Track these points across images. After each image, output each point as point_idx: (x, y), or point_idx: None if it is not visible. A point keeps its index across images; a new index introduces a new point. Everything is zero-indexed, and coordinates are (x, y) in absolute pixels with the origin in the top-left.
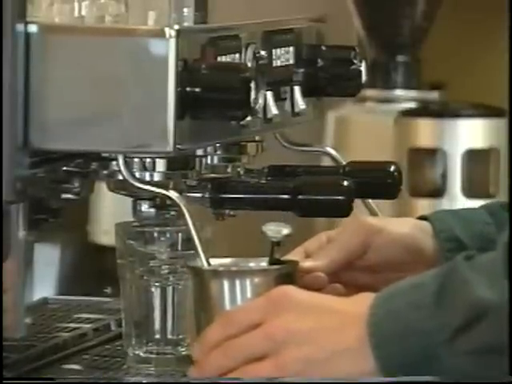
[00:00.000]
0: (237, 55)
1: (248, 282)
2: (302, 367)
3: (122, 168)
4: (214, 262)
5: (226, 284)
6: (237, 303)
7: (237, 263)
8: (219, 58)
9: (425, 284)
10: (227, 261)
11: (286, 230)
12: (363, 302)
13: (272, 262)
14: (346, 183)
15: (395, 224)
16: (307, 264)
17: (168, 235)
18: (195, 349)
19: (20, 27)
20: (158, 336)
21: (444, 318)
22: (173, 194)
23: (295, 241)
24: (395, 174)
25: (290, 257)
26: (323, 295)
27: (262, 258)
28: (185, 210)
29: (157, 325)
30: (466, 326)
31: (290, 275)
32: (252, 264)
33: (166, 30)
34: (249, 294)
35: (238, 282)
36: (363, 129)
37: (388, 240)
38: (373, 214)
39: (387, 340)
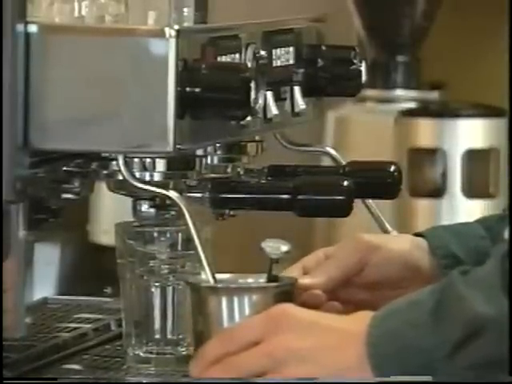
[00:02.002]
0: (237, 55)
1: (246, 299)
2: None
3: (122, 168)
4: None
5: (224, 301)
6: (235, 320)
7: (235, 279)
8: (219, 58)
9: (421, 301)
10: (226, 276)
11: (284, 247)
12: (362, 320)
13: (270, 279)
14: (345, 183)
15: (392, 241)
16: (305, 281)
17: (168, 235)
18: (193, 365)
19: (20, 27)
20: (157, 336)
21: (442, 334)
22: (173, 194)
23: (295, 242)
24: (395, 173)
25: (287, 273)
26: (322, 313)
27: (260, 275)
28: (185, 210)
29: (157, 325)
30: (464, 342)
31: (288, 293)
32: (250, 281)
33: (166, 29)
34: (247, 311)
35: (236, 299)
36: (363, 129)
37: (385, 257)
38: (373, 214)
39: (386, 360)
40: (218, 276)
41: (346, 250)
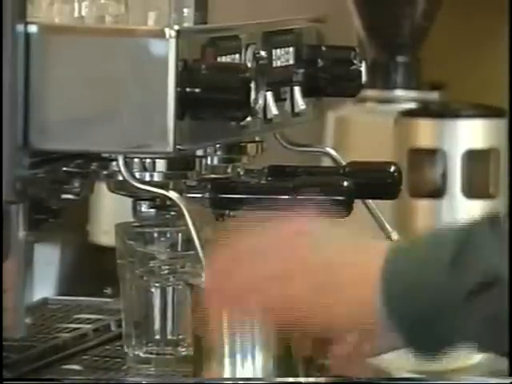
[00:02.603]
0: (237, 55)
1: None
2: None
3: (122, 168)
4: None
5: None
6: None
7: None
8: (219, 59)
9: (443, 243)
10: None
11: None
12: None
13: None
14: (345, 183)
15: None
16: None
17: (168, 235)
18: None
19: (20, 27)
20: (157, 336)
21: (459, 278)
22: (173, 194)
23: None
24: (395, 174)
25: None
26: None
27: None
28: (185, 211)
29: (157, 325)
30: (480, 290)
31: None
32: None
33: (166, 30)
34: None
35: None
36: (363, 129)
37: None
38: (373, 214)
39: (398, 296)
40: None
41: None
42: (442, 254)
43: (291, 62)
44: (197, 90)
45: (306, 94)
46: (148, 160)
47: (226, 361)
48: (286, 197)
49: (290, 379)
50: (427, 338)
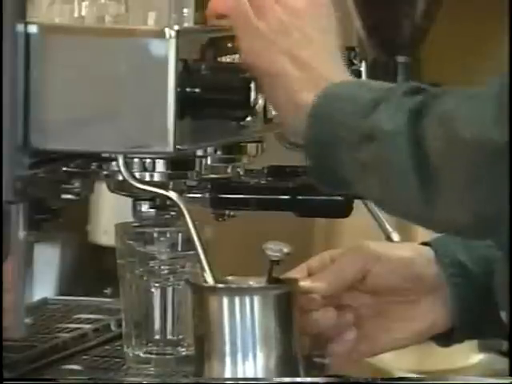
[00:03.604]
0: (237, 55)
1: (247, 300)
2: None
3: (122, 168)
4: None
5: (225, 301)
6: (236, 320)
7: (236, 281)
8: (219, 58)
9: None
10: (227, 279)
11: (285, 249)
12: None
13: (271, 281)
14: None
15: (395, 250)
16: (305, 284)
17: (168, 235)
18: None
19: (20, 27)
20: (157, 336)
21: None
22: (173, 194)
23: (295, 242)
24: None
25: (292, 273)
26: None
27: (261, 278)
28: (185, 211)
29: (157, 325)
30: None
31: (288, 294)
32: (251, 282)
33: (166, 30)
34: (247, 312)
35: (237, 300)
36: None
37: (387, 267)
38: (373, 214)
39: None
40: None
41: (349, 258)
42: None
43: None
44: (197, 90)
45: None
46: (148, 160)
47: (228, 360)
48: (286, 197)
49: (290, 379)
50: (325, 166)
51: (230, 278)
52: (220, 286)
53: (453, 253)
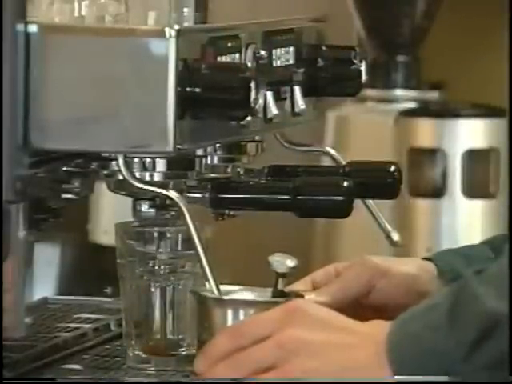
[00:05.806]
0: (237, 55)
1: (252, 313)
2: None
3: (122, 168)
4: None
5: (229, 313)
6: None
7: (241, 291)
8: (219, 58)
9: (438, 304)
10: (231, 288)
11: (291, 262)
12: (379, 325)
13: (276, 294)
14: (345, 183)
15: (400, 265)
16: (310, 298)
17: (168, 235)
18: (198, 361)
19: (20, 27)
20: (158, 336)
21: (458, 336)
22: (173, 194)
23: (295, 242)
24: (395, 173)
25: (297, 286)
26: (338, 313)
27: (266, 289)
28: (185, 210)
29: (157, 325)
30: (479, 342)
31: None
32: (256, 294)
33: (166, 29)
34: None
35: (241, 312)
36: (363, 129)
37: (392, 282)
38: (373, 214)
39: (405, 364)
40: (224, 287)
41: (354, 273)
42: (439, 317)
43: (291, 61)
44: (197, 90)
45: (306, 94)
46: (148, 160)
47: None
48: (286, 197)
49: (287, 379)
50: None
51: (236, 287)
52: (225, 298)
53: (454, 267)
